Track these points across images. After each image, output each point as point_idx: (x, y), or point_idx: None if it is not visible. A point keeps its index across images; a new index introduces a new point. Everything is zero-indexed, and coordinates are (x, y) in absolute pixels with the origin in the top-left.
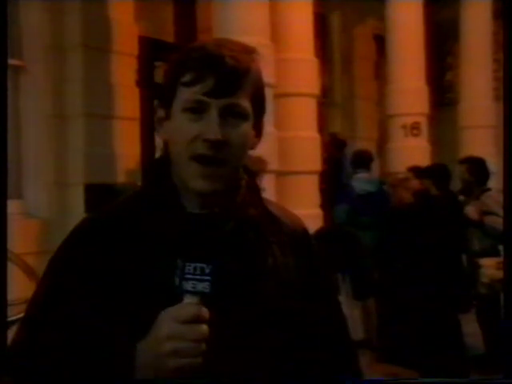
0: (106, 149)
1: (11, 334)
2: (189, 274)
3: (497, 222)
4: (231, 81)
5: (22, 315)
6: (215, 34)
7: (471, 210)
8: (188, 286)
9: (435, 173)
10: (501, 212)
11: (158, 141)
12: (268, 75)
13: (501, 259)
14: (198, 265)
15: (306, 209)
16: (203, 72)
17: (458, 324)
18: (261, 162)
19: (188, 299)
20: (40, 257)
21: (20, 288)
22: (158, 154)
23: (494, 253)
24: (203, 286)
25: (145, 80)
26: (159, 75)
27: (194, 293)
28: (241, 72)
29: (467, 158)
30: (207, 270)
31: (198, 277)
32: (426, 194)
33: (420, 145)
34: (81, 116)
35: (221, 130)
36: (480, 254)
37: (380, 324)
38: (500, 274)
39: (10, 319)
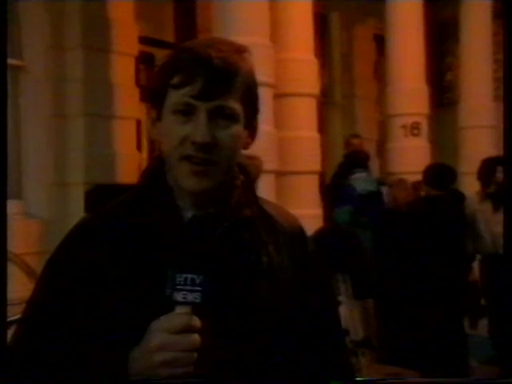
0: (105, 149)
1: (11, 334)
2: (179, 284)
3: None
4: (219, 83)
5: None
6: (215, 34)
7: None
8: (179, 296)
9: (428, 174)
10: None
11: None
12: (268, 75)
13: None
14: (189, 275)
15: (306, 209)
16: (191, 74)
17: (460, 324)
18: (257, 165)
19: (179, 309)
20: (40, 257)
21: (20, 288)
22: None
23: None
24: (194, 297)
25: None
26: (143, 78)
27: (185, 303)
28: (229, 73)
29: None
30: (198, 281)
31: (188, 287)
32: (418, 195)
33: (420, 145)
34: (81, 116)
35: (209, 133)
36: None
37: (380, 324)
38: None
39: (9, 319)
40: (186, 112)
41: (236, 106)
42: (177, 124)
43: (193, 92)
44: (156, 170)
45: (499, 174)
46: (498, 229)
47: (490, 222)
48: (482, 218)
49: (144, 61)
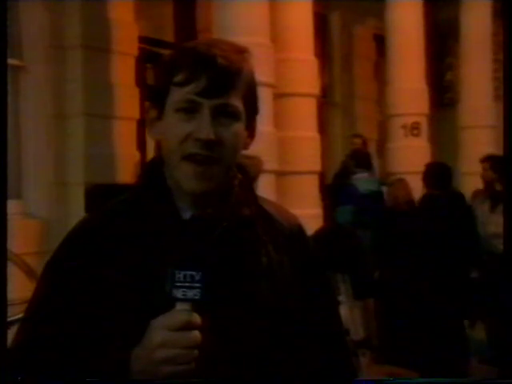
0: (106, 149)
1: (11, 334)
2: (179, 281)
3: None
4: (223, 81)
5: (21, 315)
6: (215, 33)
7: None
8: (179, 293)
9: (428, 173)
10: None
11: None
12: (268, 75)
13: None
14: (188, 272)
15: (306, 209)
16: (195, 72)
17: (460, 324)
18: (256, 165)
19: (179, 306)
20: (40, 257)
21: (20, 288)
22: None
23: None
24: (194, 294)
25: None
26: (150, 77)
27: (185, 300)
28: (233, 72)
29: (489, 155)
30: (197, 277)
31: (188, 284)
32: (411, 198)
33: (420, 145)
34: (81, 116)
35: (213, 130)
36: None
37: (380, 324)
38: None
39: (10, 319)
40: (190, 109)
41: (238, 104)
42: (179, 121)
43: (197, 89)
44: (155, 169)
45: (485, 172)
46: (493, 229)
47: (485, 222)
48: (480, 217)
49: (150, 60)
